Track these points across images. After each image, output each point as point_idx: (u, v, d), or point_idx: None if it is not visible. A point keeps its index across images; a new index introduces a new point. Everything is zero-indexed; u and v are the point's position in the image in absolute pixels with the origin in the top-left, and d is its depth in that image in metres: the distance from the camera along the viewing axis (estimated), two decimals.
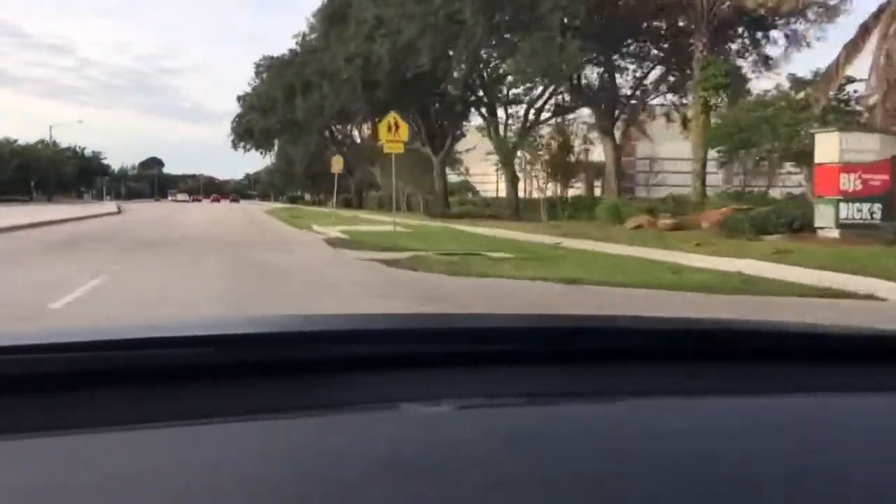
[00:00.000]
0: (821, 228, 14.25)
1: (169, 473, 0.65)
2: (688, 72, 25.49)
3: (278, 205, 75.70)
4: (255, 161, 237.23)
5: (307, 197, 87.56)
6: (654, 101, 30.50)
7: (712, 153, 22.56)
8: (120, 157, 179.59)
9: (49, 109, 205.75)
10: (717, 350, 1.04)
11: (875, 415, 0.87)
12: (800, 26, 24.48)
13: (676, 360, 1.01)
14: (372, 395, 0.85)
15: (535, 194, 32.65)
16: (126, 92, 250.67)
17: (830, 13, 23.17)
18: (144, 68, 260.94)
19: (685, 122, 26.20)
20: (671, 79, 29.07)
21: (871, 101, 17.89)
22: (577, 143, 28.90)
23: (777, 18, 24.42)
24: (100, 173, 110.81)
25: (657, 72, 29.45)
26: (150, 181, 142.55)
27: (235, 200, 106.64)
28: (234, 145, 53.35)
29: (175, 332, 0.98)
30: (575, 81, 28.13)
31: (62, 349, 0.85)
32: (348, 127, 49.16)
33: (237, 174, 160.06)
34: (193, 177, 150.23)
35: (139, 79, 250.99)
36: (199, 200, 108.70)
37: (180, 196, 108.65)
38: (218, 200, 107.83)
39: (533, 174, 29.96)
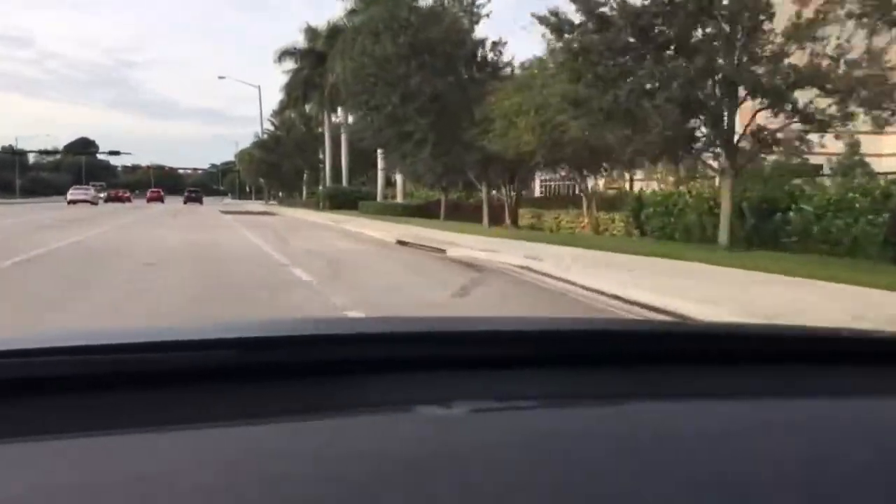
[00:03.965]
0: None
1: (189, 474, 0.66)
2: None
3: (349, 220, 25.46)
4: (228, 150, 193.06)
5: (371, 190, 40.23)
6: None
7: None
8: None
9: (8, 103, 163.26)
10: (731, 353, 1.05)
11: (886, 418, 0.87)
12: None
13: (690, 363, 1.01)
14: (387, 397, 0.86)
15: None
16: (87, 85, 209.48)
17: None
18: (107, 61, 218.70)
19: None
20: None
21: None
22: None
23: None
24: None
25: None
26: (76, 170, 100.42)
27: (194, 198, 62.75)
28: None
29: (194, 336, 0.98)
30: None
31: (86, 352, 0.85)
32: None
33: (203, 165, 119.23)
34: (137, 165, 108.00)
35: (101, 72, 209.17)
36: (127, 199, 66.37)
37: (73, 193, 54.87)
38: (159, 198, 66.79)
39: None
